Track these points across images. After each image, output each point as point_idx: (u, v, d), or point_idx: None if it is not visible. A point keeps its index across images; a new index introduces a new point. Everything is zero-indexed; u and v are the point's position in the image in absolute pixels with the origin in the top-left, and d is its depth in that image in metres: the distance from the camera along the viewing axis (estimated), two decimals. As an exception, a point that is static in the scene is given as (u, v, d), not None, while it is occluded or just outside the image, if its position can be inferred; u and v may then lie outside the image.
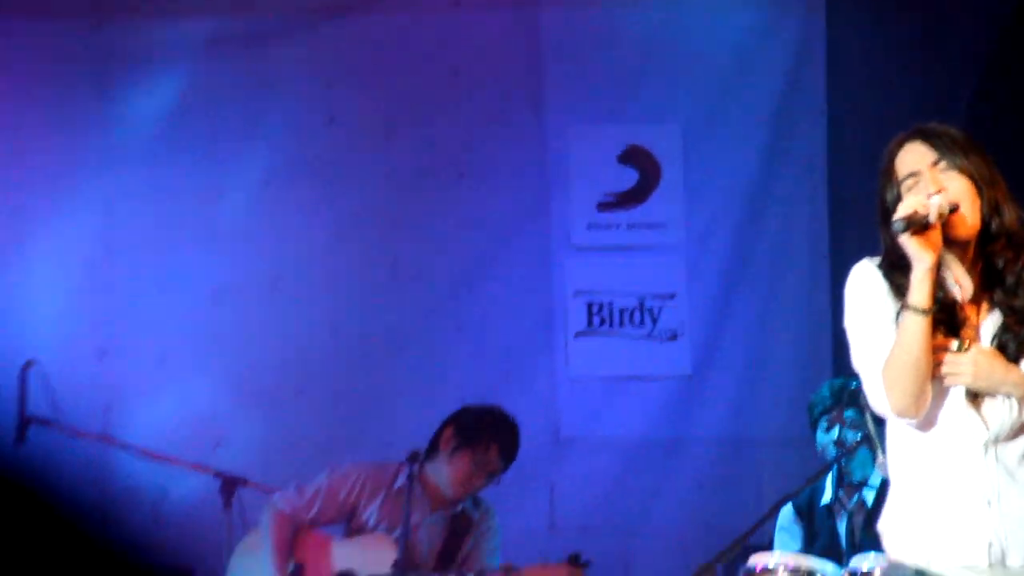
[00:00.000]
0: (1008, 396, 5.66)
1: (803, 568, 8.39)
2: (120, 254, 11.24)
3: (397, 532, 9.41)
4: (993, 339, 5.71)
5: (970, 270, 5.76)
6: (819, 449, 9.55)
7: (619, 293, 11.55)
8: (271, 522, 9.56)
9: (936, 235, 5.55)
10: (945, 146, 5.73)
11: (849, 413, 9.30)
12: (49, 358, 9.69)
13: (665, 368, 11.53)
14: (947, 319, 5.66)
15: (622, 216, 11.58)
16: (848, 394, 9.32)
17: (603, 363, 11.57)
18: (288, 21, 11.42)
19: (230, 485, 9.75)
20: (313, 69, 11.46)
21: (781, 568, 8.38)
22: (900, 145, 5.80)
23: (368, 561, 9.42)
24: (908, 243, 5.50)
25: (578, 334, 11.56)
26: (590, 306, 11.56)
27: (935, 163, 5.69)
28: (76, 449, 10.01)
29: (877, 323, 5.79)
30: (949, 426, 5.69)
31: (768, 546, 9.23)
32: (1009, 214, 5.75)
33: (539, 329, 11.58)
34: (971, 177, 5.69)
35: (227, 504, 9.74)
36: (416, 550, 9.39)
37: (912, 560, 5.76)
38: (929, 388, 5.64)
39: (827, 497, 9.52)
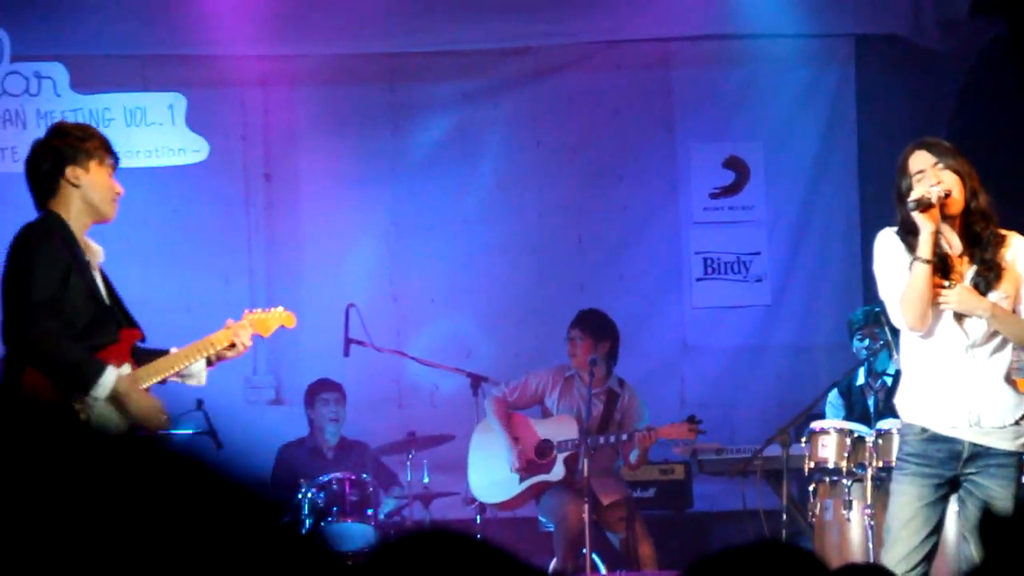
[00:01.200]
0: (980, 317, 5.98)
1: (846, 429, 8.54)
2: (404, 234, 11.30)
3: (574, 411, 9.54)
4: (971, 280, 6.02)
5: (958, 235, 6.05)
6: (855, 351, 9.60)
7: (724, 252, 11.52)
8: (492, 405, 9.70)
9: (936, 212, 5.87)
10: (941, 152, 6.04)
11: (876, 329, 9.25)
12: (362, 301, 9.63)
13: (754, 300, 11.52)
14: (942, 267, 5.97)
15: (725, 202, 11.53)
16: (873, 315, 9.36)
17: (714, 297, 11.51)
18: (513, 79, 11.38)
19: (476, 381, 9.77)
20: (527, 110, 11.39)
21: (832, 429, 8.55)
22: (911, 151, 6.10)
23: (560, 431, 9.58)
24: (918, 217, 5.84)
25: (698, 279, 11.51)
26: (705, 261, 11.52)
27: (935, 164, 5.99)
28: (380, 360, 9.93)
29: (897, 270, 6.06)
30: (943, 335, 6.02)
31: (822, 416, 9.29)
32: (983, 197, 6.02)
33: (673, 276, 11.53)
34: (958, 173, 5.98)
35: (475, 393, 9.76)
36: (587, 421, 9.34)
37: (918, 421, 6.07)
38: (930, 311, 5.93)
39: (860, 381, 9.56)
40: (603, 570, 9.34)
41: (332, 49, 11.14)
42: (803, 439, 8.71)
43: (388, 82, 11.39)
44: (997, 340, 6.08)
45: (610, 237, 11.58)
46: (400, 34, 11.10)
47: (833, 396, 9.62)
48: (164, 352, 6.25)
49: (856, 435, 8.48)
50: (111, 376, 5.89)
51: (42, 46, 10.70)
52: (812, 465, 8.53)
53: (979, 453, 6.05)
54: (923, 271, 5.94)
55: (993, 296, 6.05)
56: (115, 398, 5.90)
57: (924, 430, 6.09)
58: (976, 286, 6.04)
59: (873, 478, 8.29)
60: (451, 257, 11.37)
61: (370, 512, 9.42)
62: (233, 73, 11.15)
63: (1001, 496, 6.04)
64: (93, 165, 6.11)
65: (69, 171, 6.06)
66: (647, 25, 11.24)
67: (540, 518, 9.71)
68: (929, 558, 5.99)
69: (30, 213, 6.21)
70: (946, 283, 5.99)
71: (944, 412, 6.06)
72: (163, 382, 6.28)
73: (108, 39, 10.78)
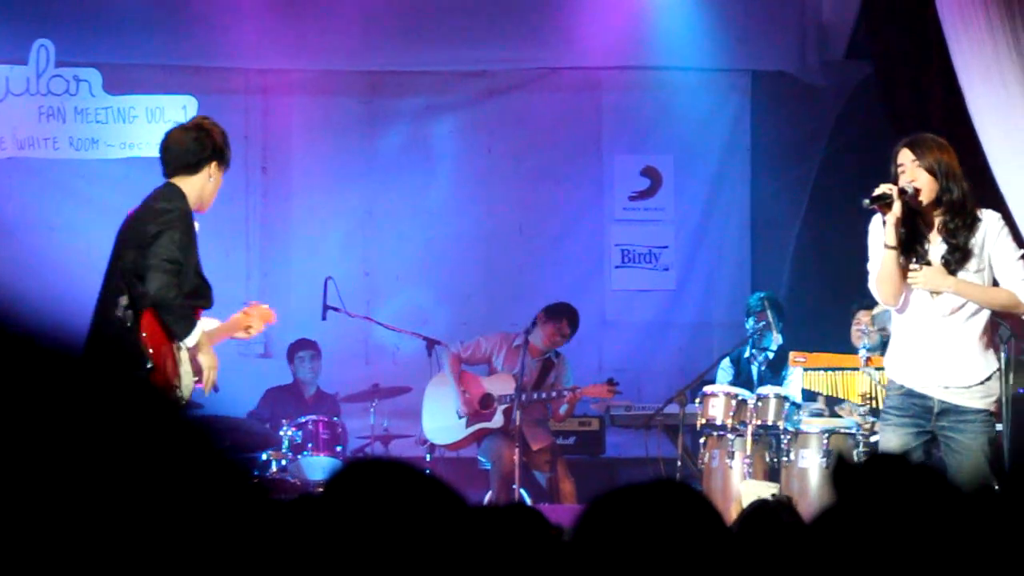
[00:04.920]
0: (948, 292, 5.82)
1: (732, 392, 8.54)
2: (375, 221, 11.24)
3: (515, 370, 9.44)
4: (941, 260, 5.85)
5: (934, 221, 5.86)
6: (748, 329, 9.53)
7: (638, 245, 11.45)
8: (448, 359, 9.68)
9: (897, 205, 5.71)
10: (921, 151, 5.82)
11: (769, 312, 9.26)
12: (338, 275, 9.62)
13: (662, 285, 11.46)
14: (916, 250, 5.85)
15: (641, 204, 11.48)
16: (764, 302, 9.40)
17: (629, 282, 11.46)
18: (470, 97, 11.36)
19: (431, 344, 9.78)
20: (481, 123, 11.36)
21: (720, 392, 8.55)
22: (900, 147, 5.89)
23: (501, 387, 9.62)
24: (878, 210, 5.76)
25: (616, 267, 11.48)
26: (623, 252, 11.48)
27: (914, 161, 5.79)
28: (351, 324, 9.88)
29: (875, 251, 5.90)
30: (919, 307, 5.88)
31: (714, 381, 9.28)
32: (956, 191, 5.80)
33: (596, 263, 11.48)
34: (931, 171, 5.77)
35: (429, 354, 9.78)
36: (525, 380, 9.36)
37: (897, 379, 5.95)
38: (901, 289, 5.81)
39: (747, 354, 9.54)
40: (529, 502, 9.31)
41: (321, 65, 11.10)
42: (697, 400, 8.70)
43: (366, 94, 11.36)
44: (973, 307, 5.89)
45: (546, 230, 11.54)
46: (377, 55, 11.07)
47: (725, 363, 9.63)
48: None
49: (740, 398, 8.46)
50: (200, 330, 6.06)
51: (81, 54, 10.69)
52: (703, 421, 8.50)
53: (948, 409, 5.87)
54: (887, 256, 5.79)
55: (963, 273, 5.86)
56: (197, 347, 6.08)
57: (901, 387, 5.95)
58: (946, 265, 5.85)
59: (752, 434, 8.28)
60: (414, 241, 11.31)
61: (339, 448, 9.45)
62: (238, 82, 11.15)
63: (970, 448, 5.86)
64: (223, 169, 6.34)
65: (212, 166, 6.25)
66: (582, 56, 11.22)
67: (480, 458, 9.71)
68: None
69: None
70: (915, 265, 5.83)
71: (918, 373, 5.91)
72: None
73: (135, 50, 10.78)
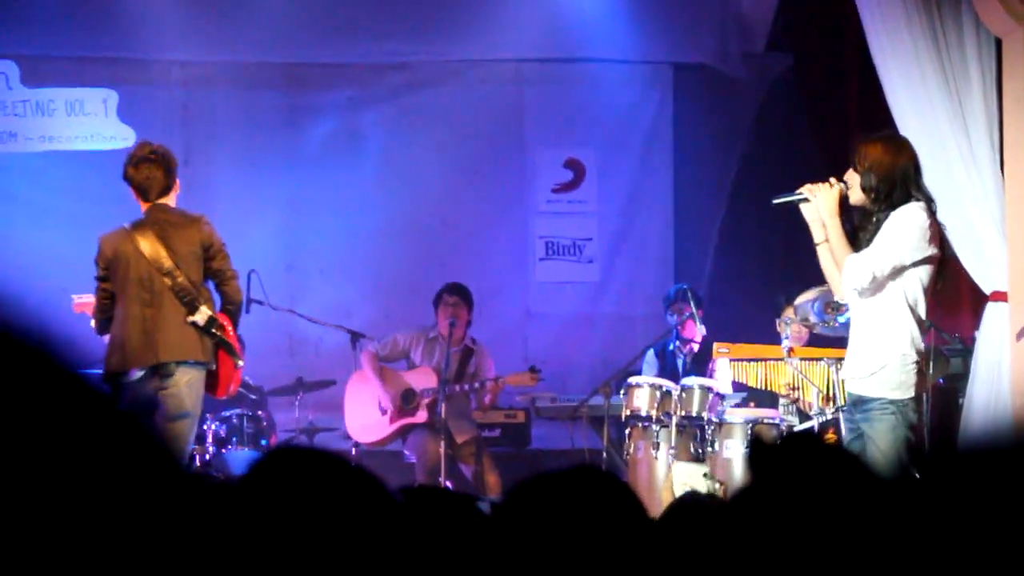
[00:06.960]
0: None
1: (656, 383, 8.48)
2: (298, 214, 11.27)
3: (433, 363, 9.59)
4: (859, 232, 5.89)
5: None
6: (668, 322, 9.61)
7: (562, 237, 11.60)
8: (365, 357, 9.65)
9: (811, 206, 5.82)
10: (862, 150, 5.80)
11: (684, 303, 9.35)
12: (261, 268, 9.40)
13: (585, 277, 11.61)
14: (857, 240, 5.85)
15: (564, 196, 11.61)
16: (682, 292, 9.44)
17: (553, 274, 11.60)
18: (392, 89, 11.34)
19: (355, 337, 9.74)
20: (403, 115, 11.38)
21: (644, 384, 8.48)
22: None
23: (423, 381, 9.59)
24: (803, 207, 5.88)
25: (540, 259, 11.63)
26: (547, 244, 11.62)
27: (854, 160, 5.81)
28: (275, 317, 9.68)
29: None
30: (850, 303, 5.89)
31: (639, 373, 9.23)
32: (874, 178, 5.74)
33: (520, 256, 11.62)
34: (857, 167, 5.78)
35: (353, 347, 9.74)
36: (446, 371, 9.39)
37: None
38: (837, 283, 5.85)
39: (671, 347, 9.57)
40: (455, 495, 9.32)
41: (242, 58, 11.03)
42: (621, 391, 8.70)
43: (288, 88, 11.34)
44: (883, 298, 5.78)
45: (469, 222, 11.54)
46: (299, 48, 11.03)
47: (650, 356, 9.65)
48: None
49: (664, 389, 8.42)
50: None
51: (-2, 46, 10.60)
52: (628, 413, 8.45)
53: (856, 399, 5.87)
54: (819, 251, 5.90)
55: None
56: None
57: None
58: (853, 234, 5.84)
59: (677, 425, 8.24)
60: (336, 235, 11.28)
61: (264, 442, 9.39)
62: (159, 74, 11.07)
63: (870, 437, 5.74)
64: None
65: (176, 183, 7.25)
66: (504, 48, 11.25)
67: (405, 451, 9.69)
68: None
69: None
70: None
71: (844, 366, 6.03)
72: None
73: (54, 42, 10.68)
